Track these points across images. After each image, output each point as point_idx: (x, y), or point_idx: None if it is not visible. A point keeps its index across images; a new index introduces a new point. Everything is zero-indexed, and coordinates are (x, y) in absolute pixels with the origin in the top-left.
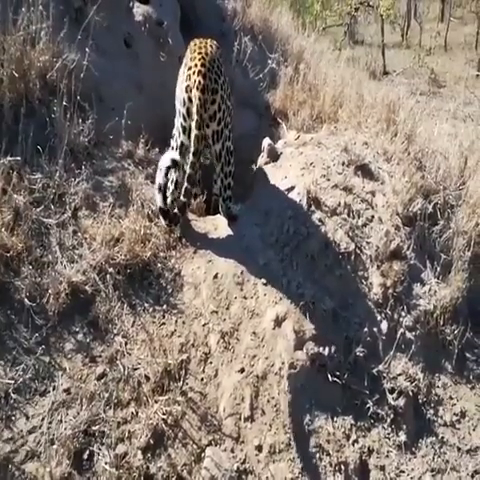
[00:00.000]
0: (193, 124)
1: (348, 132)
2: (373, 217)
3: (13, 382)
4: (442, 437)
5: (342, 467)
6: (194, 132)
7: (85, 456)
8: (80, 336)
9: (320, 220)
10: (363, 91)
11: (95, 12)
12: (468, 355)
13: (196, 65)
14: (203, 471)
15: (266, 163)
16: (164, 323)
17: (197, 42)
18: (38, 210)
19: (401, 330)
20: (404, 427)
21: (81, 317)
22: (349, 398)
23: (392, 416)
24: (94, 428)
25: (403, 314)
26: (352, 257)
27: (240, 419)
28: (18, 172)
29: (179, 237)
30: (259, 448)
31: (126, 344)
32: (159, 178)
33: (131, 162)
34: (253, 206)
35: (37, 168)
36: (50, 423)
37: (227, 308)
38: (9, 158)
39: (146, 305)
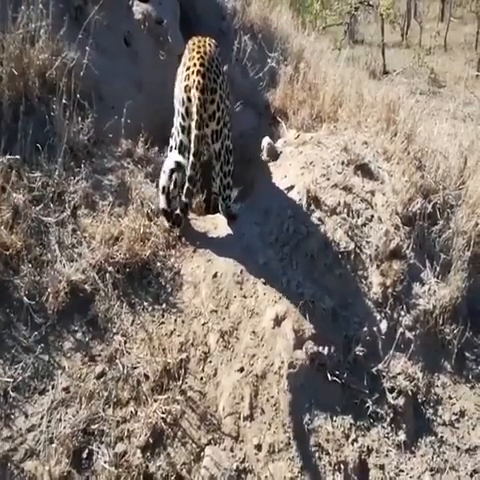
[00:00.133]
0: (193, 124)
1: (348, 131)
2: (373, 216)
3: (12, 380)
4: (441, 436)
5: (341, 466)
6: (194, 132)
7: (84, 455)
8: (79, 335)
9: (320, 219)
10: (363, 90)
11: (95, 10)
12: (467, 354)
13: (195, 64)
14: (202, 470)
15: (265, 162)
16: (163, 322)
17: (196, 41)
18: (37, 208)
19: (400, 329)
20: (403, 426)
21: (80, 316)
22: (348, 397)
23: (391, 415)
24: (93, 427)
25: (402, 313)
26: (352, 256)
27: (239, 418)
28: (17, 170)
29: (178, 236)
30: (258, 447)
31: (125, 343)
32: (163, 180)
33: (130, 161)
34: (253, 205)
35: (36, 166)
36: (49, 422)
37: (227, 307)
38: (8, 156)
39: (145, 304)
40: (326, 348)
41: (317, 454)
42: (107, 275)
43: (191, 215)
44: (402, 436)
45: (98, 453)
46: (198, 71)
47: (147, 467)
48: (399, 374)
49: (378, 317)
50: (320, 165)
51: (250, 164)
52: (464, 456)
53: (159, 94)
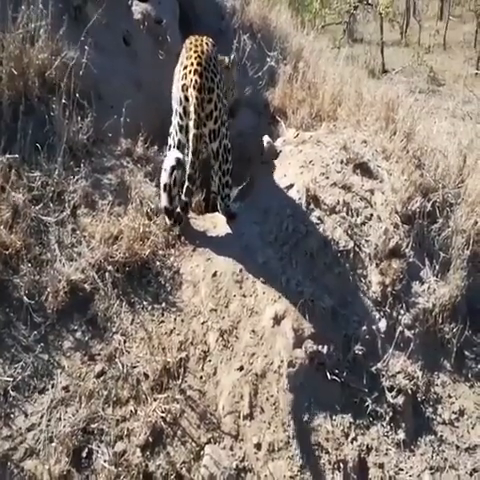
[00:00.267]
0: (191, 123)
1: (347, 130)
2: (372, 215)
3: (12, 380)
4: (441, 435)
5: (341, 465)
6: (192, 131)
7: (84, 454)
8: (79, 334)
9: (319, 218)
10: (362, 89)
11: (94, 10)
12: (467, 353)
13: (192, 64)
14: (202, 469)
15: (264, 162)
16: (163, 321)
17: (193, 40)
18: (37, 208)
19: (400, 328)
20: (403, 425)
21: (80, 315)
22: (348, 396)
23: (391, 414)
24: (93, 426)
25: (402, 312)
26: (351, 255)
27: (239, 417)
28: (17, 170)
29: (178, 235)
30: (258, 446)
31: (125, 342)
32: (164, 178)
33: (130, 160)
34: (252, 204)
35: (36, 166)
36: (49, 421)
37: (226, 306)
38: (8, 156)
39: (145, 303)
40: (325, 347)
41: (317, 453)
42: (107, 274)
43: (190, 214)
44: (401, 435)
45: (98, 452)
46: (195, 70)
47: (147, 466)
48: (398, 373)
49: (377, 316)
50: (319, 164)
51: (249, 163)
52: (463, 455)
53: (158, 93)
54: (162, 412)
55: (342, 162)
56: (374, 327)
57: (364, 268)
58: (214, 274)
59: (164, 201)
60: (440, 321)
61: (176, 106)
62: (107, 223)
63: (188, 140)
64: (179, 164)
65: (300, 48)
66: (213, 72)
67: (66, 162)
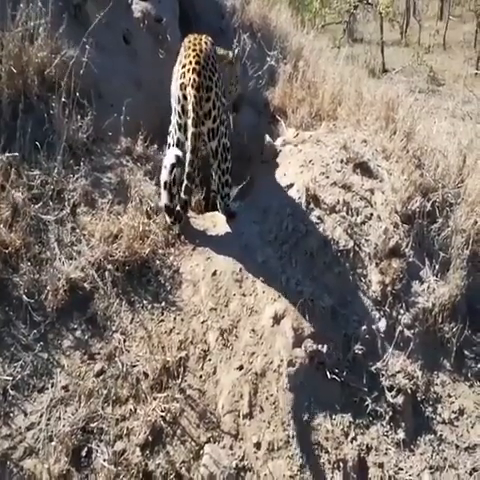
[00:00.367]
0: (189, 122)
1: (347, 130)
2: (372, 215)
3: (11, 379)
4: (441, 435)
5: (341, 464)
6: (191, 130)
7: (83, 453)
8: (78, 333)
9: (319, 218)
10: (362, 89)
11: (94, 9)
12: (466, 353)
13: (190, 62)
14: (202, 468)
15: (264, 161)
16: (163, 320)
17: (191, 39)
18: (36, 206)
19: (400, 328)
20: (403, 425)
21: (79, 314)
22: (348, 395)
23: (391, 414)
24: (92, 425)
25: (402, 312)
26: (351, 255)
27: (239, 416)
28: (16, 168)
29: (178, 234)
30: (258, 445)
31: (125, 341)
32: (164, 175)
33: (130, 158)
34: (252, 203)
35: (35, 164)
36: (48, 420)
37: (226, 305)
38: (7, 154)
39: (145, 302)
40: (325, 346)
41: (316, 452)
42: (106, 273)
43: (190, 213)
44: (401, 434)
45: (97, 451)
46: (194, 69)
47: (146, 465)
48: (398, 372)
49: (377, 315)
50: (319, 163)
51: (249, 162)
52: (463, 454)
53: (158, 92)
54: (162, 411)
55: (342, 161)
56: (374, 326)
57: (364, 268)
58: (214, 273)
59: (164, 199)
60: (440, 320)
61: (175, 105)
62: (107, 222)
63: (187, 139)
64: (179, 162)
65: (300, 47)
66: (211, 71)
67: (66, 161)
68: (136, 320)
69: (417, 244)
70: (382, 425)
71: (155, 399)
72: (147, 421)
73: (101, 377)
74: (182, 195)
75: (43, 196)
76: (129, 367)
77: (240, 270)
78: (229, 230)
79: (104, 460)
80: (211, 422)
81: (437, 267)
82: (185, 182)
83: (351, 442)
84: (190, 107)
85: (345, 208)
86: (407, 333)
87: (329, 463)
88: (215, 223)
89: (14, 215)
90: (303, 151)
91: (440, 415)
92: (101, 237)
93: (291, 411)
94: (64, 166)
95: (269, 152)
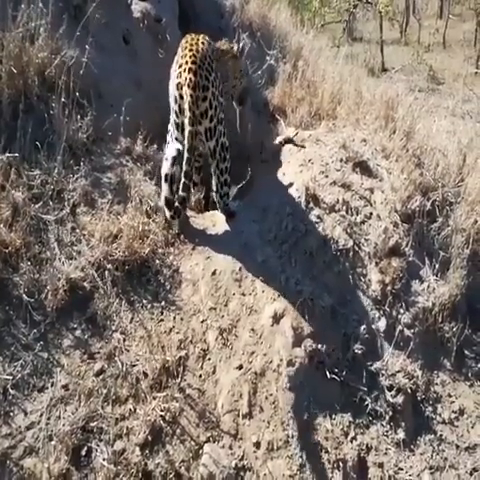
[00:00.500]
0: (186, 121)
1: (346, 129)
2: (371, 214)
3: (11, 378)
4: (441, 434)
5: (340, 464)
6: (187, 128)
7: (83, 452)
8: (78, 332)
9: (318, 217)
10: (362, 88)
11: (94, 9)
12: (467, 352)
13: (187, 62)
14: (201, 468)
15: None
16: (162, 320)
17: (189, 39)
18: (36, 206)
19: (400, 327)
20: (403, 424)
21: (79, 313)
22: (347, 395)
23: (390, 413)
24: (92, 424)
25: (402, 311)
26: (350, 254)
27: (238, 416)
28: (16, 168)
29: (177, 233)
30: (257, 445)
31: (124, 340)
32: (165, 168)
33: (129, 158)
34: (251, 203)
35: (36, 164)
36: (48, 419)
37: (225, 305)
38: (7, 154)
39: (144, 302)
40: (325, 346)
41: (316, 452)
42: (106, 273)
43: (190, 212)
44: (401, 434)
45: (97, 451)
46: (190, 69)
47: (146, 465)
48: (398, 372)
49: (377, 315)
50: (319, 162)
51: (249, 162)
52: (463, 454)
53: (158, 92)
54: (161, 411)
55: (341, 161)
56: (374, 326)
57: (364, 267)
58: (213, 272)
59: (165, 191)
60: (440, 320)
61: (172, 104)
62: (107, 222)
63: (184, 137)
64: (180, 155)
65: (299, 47)
66: (208, 70)
67: (66, 161)
68: (136, 320)
69: (417, 243)
70: (382, 425)
71: (155, 398)
72: (147, 420)
73: (101, 376)
74: (180, 192)
75: (43, 196)
76: (129, 366)
77: (240, 269)
78: (229, 229)
79: (104, 459)
80: (211, 422)
81: (437, 266)
82: (183, 180)
83: (351, 442)
84: (186, 106)
85: (345, 207)
86: (407, 332)
87: (329, 463)
88: (215, 222)
89: (14, 215)
90: (302, 150)
91: (440, 415)
92: (101, 237)
93: (291, 411)
94: (64, 166)
95: (269, 151)
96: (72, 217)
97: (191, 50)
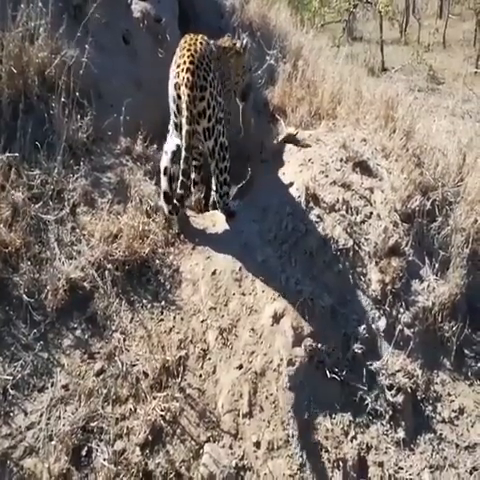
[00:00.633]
0: (184, 120)
1: (346, 129)
2: (371, 213)
3: (11, 378)
4: (440, 434)
5: (341, 463)
6: (185, 127)
7: (83, 452)
8: (78, 332)
9: (318, 216)
10: (361, 88)
11: (94, 9)
12: (466, 352)
13: (185, 62)
14: (201, 467)
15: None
16: (162, 319)
17: (187, 39)
18: (36, 206)
19: (400, 327)
20: (403, 424)
21: (79, 313)
22: (347, 394)
23: (390, 413)
24: (92, 424)
25: (402, 311)
26: (350, 253)
27: (238, 415)
28: (16, 168)
29: (177, 233)
30: (257, 444)
31: (124, 340)
32: (165, 161)
33: (129, 158)
34: (251, 202)
35: (35, 164)
36: (48, 419)
37: (225, 304)
38: (7, 154)
39: (144, 301)
40: (325, 345)
41: (316, 451)
42: (106, 273)
43: (190, 212)
44: (401, 433)
45: (97, 450)
46: (187, 69)
47: (146, 464)
48: (398, 371)
49: (377, 314)
50: (319, 162)
51: (249, 161)
52: (463, 453)
53: (158, 92)
54: (161, 410)
55: (341, 160)
56: (374, 325)
57: (364, 266)
58: (213, 272)
59: (164, 185)
60: (440, 319)
61: (171, 104)
62: (107, 221)
63: (182, 136)
64: (179, 150)
65: (299, 46)
66: (206, 71)
67: (66, 160)
68: (136, 319)
69: (417, 243)
70: (382, 424)
71: (155, 398)
72: (147, 420)
73: (101, 376)
74: (178, 190)
75: (43, 196)
76: (129, 366)
77: (240, 269)
78: (229, 229)
79: (104, 459)
80: (211, 421)
81: (437, 266)
82: (180, 178)
83: (351, 441)
84: (184, 106)
85: (345, 207)
86: (407, 332)
87: (329, 462)
88: (215, 222)
89: (14, 215)
90: (302, 150)
91: (440, 414)
92: (101, 237)
93: (291, 410)
94: (64, 166)
95: (269, 151)
96: (72, 217)
97: (189, 50)
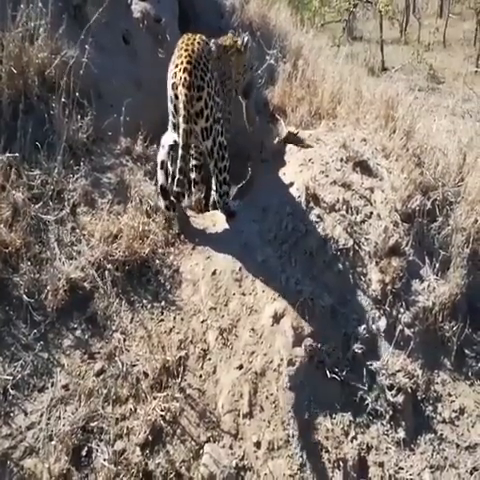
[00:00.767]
0: (181, 119)
1: (347, 128)
2: (372, 213)
3: (12, 378)
4: (441, 434)
5: (341, 463)
6: (182, 126)
7: (83, 452)
8: (78, 332)
9: (319, 216)
10: (362, 87)
11: (94, 9)
12: (467, 351)
13: (182, 62)
14: (201, 468)
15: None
16: (162, 320)
17: (185, 39)
18: (37, 206)
19: (400, 327)
20: (403, 424)
21: (79, 313)
22: (348, 394)
23: (391, 413)
24: (92, 424)
25: (402, 310)
26: (351, 253)
27: (239, 416)
28: (17, 168)
29: (177, 233)
30: (258, 445)
31: (124, 340)
32: (162, 155)
33: (129, 158)
34: (251, 202)
35: (36, 164)
36: (49, 419)
37: (225, 304)
38: (8, 154)
39: (144, 302)
40: (325, 345)
41: (316, 451)
42: (106, 273)
43: (190, 212)
44: (401, 433)
45: (97, 451)
46: (185, 68)
47: (146, 465)
48: (398, 371)
49: (377, 314)
50: (319, 162)
51: (249, 161)
52: (464, 453)
53: (158, 92)
54: (162, 411)
55: (342, 160)
56: (374, 325)
57: (364, 266)
58: (213, 272)
59: (160, 179)
60: (440, 319)
61: (169, 104)
62: (107, 222)
63: (179, 135)
64: (176, 144)
65: (299, 46)
66: (203, 70)
67: (66, 161)
68: (136, 320)
69: (417, 243)
70: (382, 424)
71: (155, 398)
72: (147, 420)
73: (101, 376)
74: (175, 188)
75: (43, 196)
76: (129, 366)
77: (240, 269)
78: (229, 229)
79: (104, 459)
80: (211, 421)
81: (437, 266)
82: (177, 176)
83: (351, 441)
84: (181, 105)
85: (345, 207)
86: (407, 332)
87: (329, 462)
88: (215, 222)
89: (14, 215)
90: (303, 150)
91: (440, 414)
92: (101, 237)
93: (291, 410)
94: (64, 166)
95: (269, 151)
96: (72, 217)
97: (187, 50)
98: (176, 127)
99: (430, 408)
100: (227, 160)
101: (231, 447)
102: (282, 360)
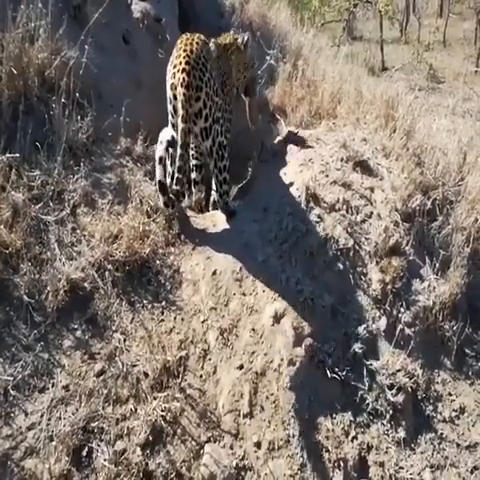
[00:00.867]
0: (179, 119)
1: (347, 128)
2: (372, 213)
3: (12, 379)
4: (441, 433)
5: (341, 463)
6: (180, 126)
7: (84, 453)
8: (79, 333)
9: (319, 216)
10: (362, 87)
11: (94, 9)
12: (467, 351)
13: (180, 63)
14: (202, 468)
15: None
16: (163, 320)
17: (184, 39)
18: (37, 207)
19: (400, 326)
20: (403, 423)
21: (80, 314)
22: (348, 394)
23: (391, 412)
24: (93, 425)
25: (402, 310)
26: (351, 253)
27: (239, 415)
28: (17, 169)
29: (178, 233)
30: (258, 445)
31: (125, 341)
32: (160, 151)
33: (130, 159)
34: (252, 202)
35: (36, 165)
36: (49, 420)
37: (226, 305)
38: (8, 155)
39: (145, 302)
40: (325, 345)
41: (317, 451)
42: (106, 273)
43: (190, 212)
44: (402, 433)
45: (98, 451)
46: (183, 69)
47: (147, 465)
48: (399, 371)
49: (377, 314)
50: (319, 162)
51: (249, 161)
52: (464, 453)
53: (158, 92)
54: (162, 411)
55: (342, 160)
56: (374, 325)
57: (364, 266)
58: (214, 272)
59: (159, 174)
60: (440, 319)
61: (168, 105)
62: (107, 222)
63: (178, 134)
64: (174, 141)
65: (299, 46)
66: (202, 71)
67: (66, 161)
68: (136, 320)
69: (417, 242)
70: (383, 424)
71: (155, 399)
72: (147, 421)
73: (101, 377)
74: (173, 186)
75: (43, 197)
76: (129, 367)
77: (240, 269)
78: (229, 229)
79: (105, 460)
80: (211, 421)
81: (437, 265)
82: (176, 175)
83: (351, 441)
84: (179, 105)
85: (345, 206)
86: (407, 331)
87: (330, 462)
88: (215, 222)
89: (14, 216)
90: (303, 150)
91: (441, 413)
92: (101, 237)
93: (291, 410)
94: (64, 167)
95: (269, 151)
96: (72, 218)
97: (185, 50)
98: (175, 127)
99: (430, 407)
100: (227, 160)
101: (231, 447)
102: (282, 360)
